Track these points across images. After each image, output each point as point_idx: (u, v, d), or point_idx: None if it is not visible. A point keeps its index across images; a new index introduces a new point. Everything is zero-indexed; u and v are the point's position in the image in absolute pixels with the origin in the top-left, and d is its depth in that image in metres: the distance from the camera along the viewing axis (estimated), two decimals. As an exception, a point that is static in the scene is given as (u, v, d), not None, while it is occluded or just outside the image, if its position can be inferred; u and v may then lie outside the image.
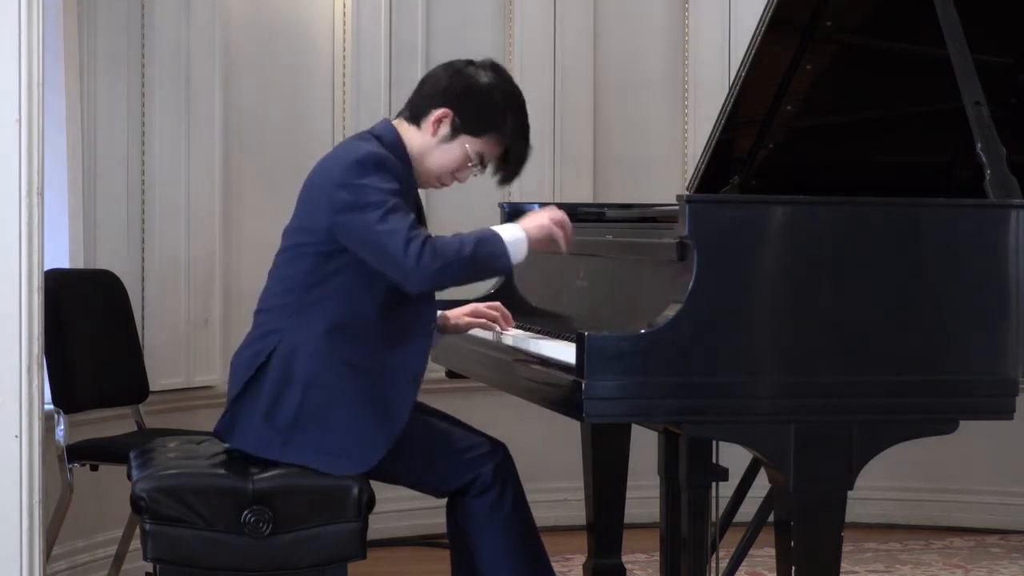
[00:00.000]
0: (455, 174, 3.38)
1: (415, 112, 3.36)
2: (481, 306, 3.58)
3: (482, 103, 3.33)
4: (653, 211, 3.66)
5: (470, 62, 3.38)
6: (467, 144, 3.34)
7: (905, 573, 5.17)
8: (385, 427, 3.26)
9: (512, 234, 3.24)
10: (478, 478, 3.32)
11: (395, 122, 3.39)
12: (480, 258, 3.20)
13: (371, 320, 3.26)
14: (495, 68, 3.38)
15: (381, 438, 3.26)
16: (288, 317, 3.28)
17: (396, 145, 3.33)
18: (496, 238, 3.22)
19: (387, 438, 3.26)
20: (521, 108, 3.38)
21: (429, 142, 3.34)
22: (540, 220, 3.29)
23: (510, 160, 3.40)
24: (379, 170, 3.22)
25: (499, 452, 3.37)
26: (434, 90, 3.35)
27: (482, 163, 3.39)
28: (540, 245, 3.28)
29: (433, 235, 3.21)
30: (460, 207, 5.69)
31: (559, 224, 3.30)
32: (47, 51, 3.54)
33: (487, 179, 5.67)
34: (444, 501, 3.42)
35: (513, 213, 4.06)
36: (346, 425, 3.24)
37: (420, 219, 3.33)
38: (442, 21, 5.70)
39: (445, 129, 3.33)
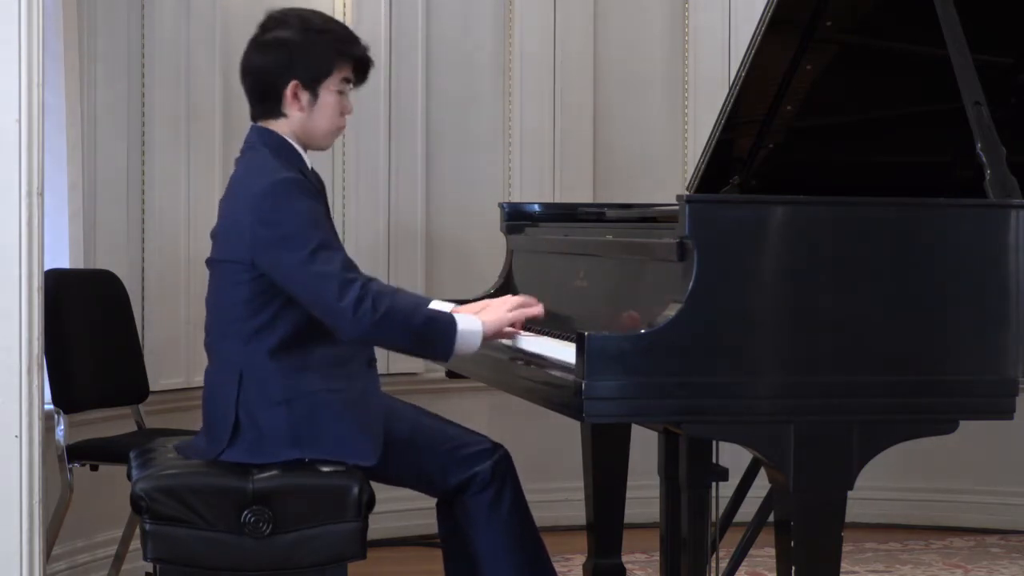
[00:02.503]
0: (342, 113, 3.38)
1: (266, 108, 3.35)
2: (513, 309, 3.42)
3: (305, 51, 3.32)
4: (653, 211, 3.66)
5: (263, 30, 3.36)
6: (329, 87, 3.34)
7: (905, 573, 5.17)
8: (367, 412, 3.30)
9: (468, 325, 3.24)
10: (477, 475, 3.33)
11: (262, 124, 3.37)
12: (424, 337, 3.21)
13: (316, 323, 3.24)
14: (286, 16, 3.36)
15: (376, 423, 3.31)
16: (242, 345, 3.27)
17: (281, 143, 3.33)
18: (450, 325, 3.22)
19: (377, 420, 3.31)
20: (330, 24, 3.39)
21: (303, 116, 3.33)
22: (499, 317, 3.29)
23: (361, 66, 3.39)
24: (292, 194, 3.21)
25: (498, 450, 3.38)
26: (265, 78, 3.33)
27: (351, 85, 3.39)
28: (496, 338, 3.32)
29: (390, 287, 3.22)
30: (461, 207, 5.70)
31: (519, 308, 3.32)
32: (47, 51, 3.54)
33: (487, 180, 5.72)
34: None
35: (513, 213, 4.06)
36: (341, 424, 3.27)
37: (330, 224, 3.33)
38: (442, 21, 5.70)
39: (304, 94, 3.32)
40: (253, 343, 3.26)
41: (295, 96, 3.31)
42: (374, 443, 3.29)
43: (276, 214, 3.19)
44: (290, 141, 3.34)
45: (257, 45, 3.36)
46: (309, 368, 3.26)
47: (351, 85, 3.38)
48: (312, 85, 3.32)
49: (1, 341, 3.35)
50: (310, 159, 3.39)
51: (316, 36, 3.33)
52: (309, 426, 3.25)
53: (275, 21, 3.37)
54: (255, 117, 3.38)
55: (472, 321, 3.25)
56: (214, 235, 3.36)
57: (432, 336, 3.22)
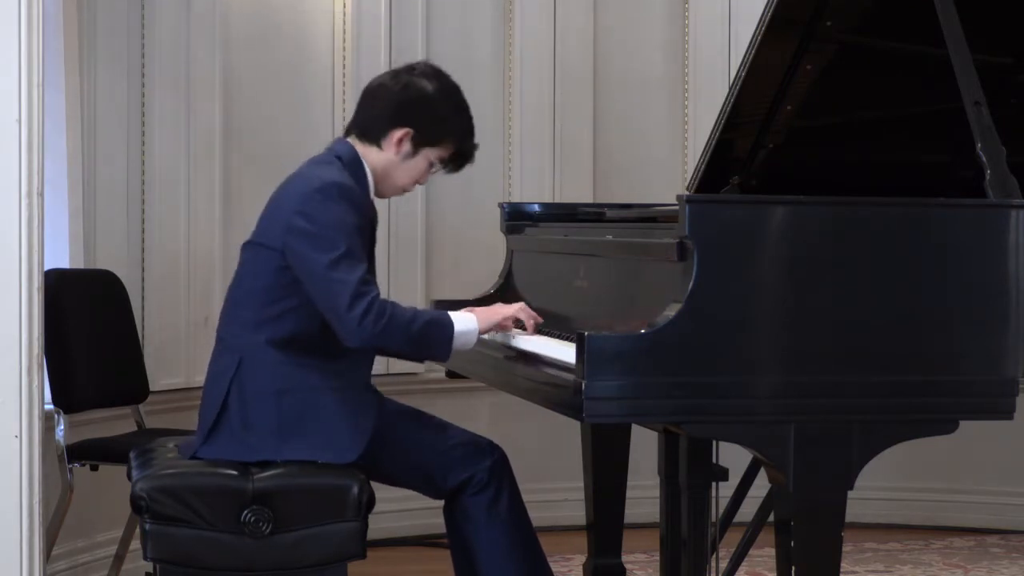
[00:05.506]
0: (418, 181, 3.48)
1: (369, 131, 3.42)
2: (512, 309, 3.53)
3: (435, 114, 3.41)
4: (653, 211, 3.66)
5: (411, 69, 3.46)
6: (428, 154, 3.43)
7: (905, 573, 5.17)
8: (357, 408, 3.33)
9: (465, 325, 3.35)
10: (475, 476, 3.35)
11: (351, 140, 3.44)
12: (424, 340, 3.31)
13: (321, 328, 3.29)
14: (437, 74, 3.46)
15: (366, 419, 3.33)
16: (250, 331, 3.33)
17: (357, 165, 3.40)
18: (447, 326, 3.33)
19: (366, 415, 3.33)
20: (465, 109, 3.48)
21: (393, 160, 3.42)
22: (494, 317, 3.41)
23: (461, 157, 3.48)
24: (341, 201, 3.28)
25: (495, 451, 3.41)
26: (386, 107, 3.41)
27: (441, 165, 3.48)
28: (491, 330, 3.43)
29: (392, 301, 3.29)
30: (461, 207, 5.70)
31: (514, 315, 3.42)
32: (47, 51, 3.54)
33: (487, 180, 5.72)
34: (443, 501, 3.43)
35: (513, 213, 4.07)
36: (330, 420, 3.30)
37: (372, 244, 3.40)
38: (442, 21, 5.70)
39: (407, 146, 3.41)
40: (258, 331, 3.31)
41: (400, 142, 3.39)
42: (358, 439, 3.31)
43: (316, 210, 3.26)
44: (366, 166, 3.41)
45: (399, 79, 3.43)
46: (307, 361, 3.30)
47: (441, 165, 3.46)
48: (419, 144, 3.40)
49: (1, 341, 3.35)
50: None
51: (453, 109, 3.44)
52: (296, 423, 3.28)
53: (429, 68, 3.46)
54: (350, 132, 3.46)
55: (467, 320, 3.35)
56: (260, 218, 3.42)
57: (430, 340, 3.31)
